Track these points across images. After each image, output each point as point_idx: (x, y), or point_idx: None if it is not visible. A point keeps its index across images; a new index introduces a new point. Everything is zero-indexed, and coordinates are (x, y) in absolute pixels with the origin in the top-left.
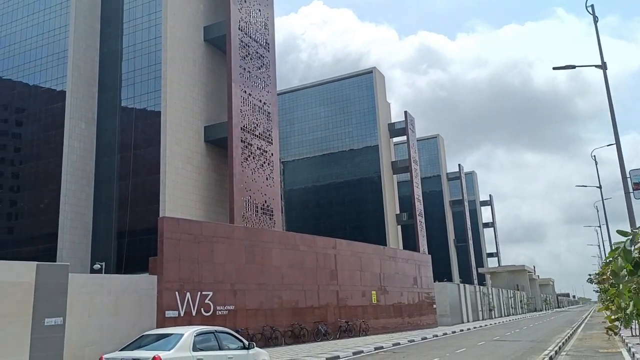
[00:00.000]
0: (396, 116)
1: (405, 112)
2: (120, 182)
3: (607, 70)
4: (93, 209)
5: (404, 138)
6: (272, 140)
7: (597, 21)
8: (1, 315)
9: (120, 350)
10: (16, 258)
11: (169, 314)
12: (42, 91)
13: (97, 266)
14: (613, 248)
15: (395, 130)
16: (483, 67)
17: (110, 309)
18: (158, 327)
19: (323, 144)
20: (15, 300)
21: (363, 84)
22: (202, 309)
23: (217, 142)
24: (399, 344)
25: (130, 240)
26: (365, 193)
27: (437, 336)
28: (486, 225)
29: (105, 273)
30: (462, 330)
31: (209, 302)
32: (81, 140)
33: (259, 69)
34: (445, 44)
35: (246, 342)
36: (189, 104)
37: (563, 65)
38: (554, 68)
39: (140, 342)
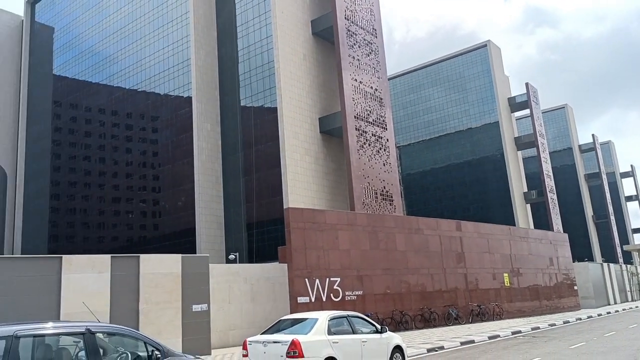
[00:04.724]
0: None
1: (527, 84)
2: (245, 177)
3: None
4: (223, 203)
5: (527, 112)
6: (386, 125)
7: None
8: (156, 302)
9: (262, 334)
10: (161, 252)
11: (301, 299)
12: (171, 99)
13: (231, 256)
14: None
15: (516, 104)
16: (601, 22)
17: (247, 296)
18: (292, 312)
19: (439, 125)
20: (167, 289)
21: (477, 59)
22: (331, 294)
23: (332, 132)
24: (538, 328)
25: (259, 231)
26: (487, 172)
27: (580, 319)
28: (629, 198)
29: (239, 263)
30: (608, 313)
31: (338, 287)
32: (208, 141)
33: (368, 55)
34: (555, 1)
35: (378, 326)
36: (303, 97)
37: None
38: None
39: (278, 327)
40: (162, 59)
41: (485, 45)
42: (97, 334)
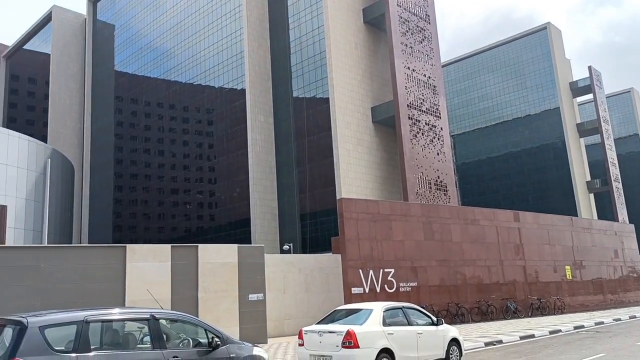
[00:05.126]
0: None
1: (590, 68)
2: (298, 168)
3: None
4: (277, 194)
5: (589, 97)
6: (440, 114)
7: None
8: (214, 291)
9: (317, 323)
10: (218, 242)
11: (355, 290)
12: (226, 91)
13: (286, 247)
14: None
15: (578, 89)
16: None
17: (301, 286)
18: (345, 303)
19: (495, 113)
20: (224, 278)
21: (536, 43)
22: (385, 285)
23: (385, 121)
24: (602, 322)
25: (312, 221)
26: (547, 161)
27: None
28: None
29: (293, 253)
30: None
31: (392, 279)
32: (261, 132)
33: (421, 42)
34: None
35: (434, 318)
36: (355, 87)
37: None
38: None
39: (333, 317)
40: (217, 52)
41: (545, 28)
42: (161, 321)
